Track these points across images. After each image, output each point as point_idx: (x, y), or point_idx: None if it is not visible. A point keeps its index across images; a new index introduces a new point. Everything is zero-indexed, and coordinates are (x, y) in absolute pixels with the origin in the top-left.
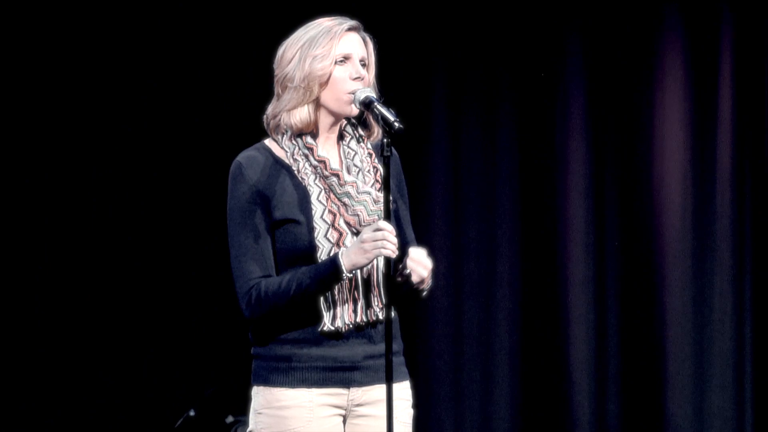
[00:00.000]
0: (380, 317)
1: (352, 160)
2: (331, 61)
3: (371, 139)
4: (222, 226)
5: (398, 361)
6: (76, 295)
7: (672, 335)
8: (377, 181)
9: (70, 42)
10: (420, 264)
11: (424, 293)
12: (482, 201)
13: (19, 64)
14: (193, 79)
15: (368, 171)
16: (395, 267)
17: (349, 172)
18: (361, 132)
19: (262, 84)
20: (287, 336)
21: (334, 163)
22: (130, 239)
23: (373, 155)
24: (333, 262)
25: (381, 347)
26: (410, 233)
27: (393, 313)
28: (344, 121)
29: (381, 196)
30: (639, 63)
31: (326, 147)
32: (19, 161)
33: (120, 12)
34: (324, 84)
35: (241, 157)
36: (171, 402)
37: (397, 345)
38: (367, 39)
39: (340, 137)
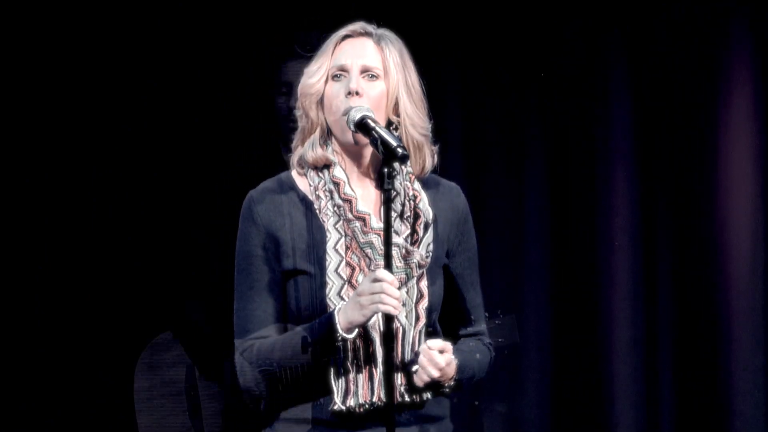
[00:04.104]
0: (408, 399)
1: (392, 202)
2: (322, 77)
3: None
4: (221, 227)
5: None
6: (76, 295)
7: (739, 411)
8: (416, 231)
9: (69, 42)
10: (430, 363)
11: (446, 390)
12: (506, 248)
13: (19, 64)
14: (193, 79)
15: (407, 218)
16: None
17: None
18: (410, 168)
19: (262, 84)
20: (290, 415)
21: (364, 205)
22: (130, 239)
23: (418, 197)
24: (329, 319)
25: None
26: (475, 297)
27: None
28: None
29: (415, 250)
30: (699, 78)
31: (360, 183)
32: (19, 161)
33: (120, 12)
34: (320, 105)
35: (255, 190)
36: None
37: (441, 428)
38: (384, 43)
39: (385, 173)
